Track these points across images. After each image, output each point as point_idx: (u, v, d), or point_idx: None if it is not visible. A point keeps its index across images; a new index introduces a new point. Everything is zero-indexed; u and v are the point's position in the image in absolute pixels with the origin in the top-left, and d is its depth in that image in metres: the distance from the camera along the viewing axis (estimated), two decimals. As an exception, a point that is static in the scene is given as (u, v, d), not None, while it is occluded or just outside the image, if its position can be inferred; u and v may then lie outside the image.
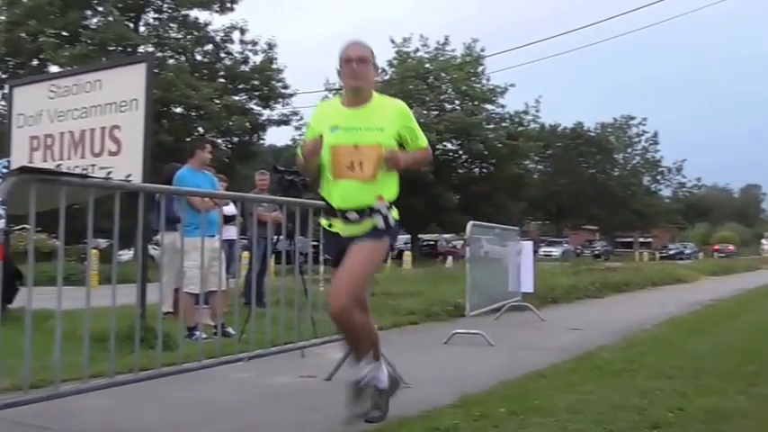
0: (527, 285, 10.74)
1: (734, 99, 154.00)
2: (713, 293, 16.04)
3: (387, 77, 36.80)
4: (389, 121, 3.96)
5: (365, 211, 3.88)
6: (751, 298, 15.40)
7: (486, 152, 36.95)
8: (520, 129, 39.48)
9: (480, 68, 37.72)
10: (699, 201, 75.95)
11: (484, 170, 39.08)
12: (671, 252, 54.37)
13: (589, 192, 52.71)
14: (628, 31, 57.52)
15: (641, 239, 64.90)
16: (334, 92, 36.50)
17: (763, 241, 35.63)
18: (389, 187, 4.01)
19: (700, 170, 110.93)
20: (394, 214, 3.99)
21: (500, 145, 36.88)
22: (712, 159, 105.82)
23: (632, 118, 59.33)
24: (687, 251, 56.11)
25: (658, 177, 60.59)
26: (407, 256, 27.32)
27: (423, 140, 4.13)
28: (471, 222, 8.89)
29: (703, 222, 78.92)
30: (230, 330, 6.65)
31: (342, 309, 3.77)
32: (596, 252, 47.86)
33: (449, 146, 37.91)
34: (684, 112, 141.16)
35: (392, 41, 37.41)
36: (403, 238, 37.95)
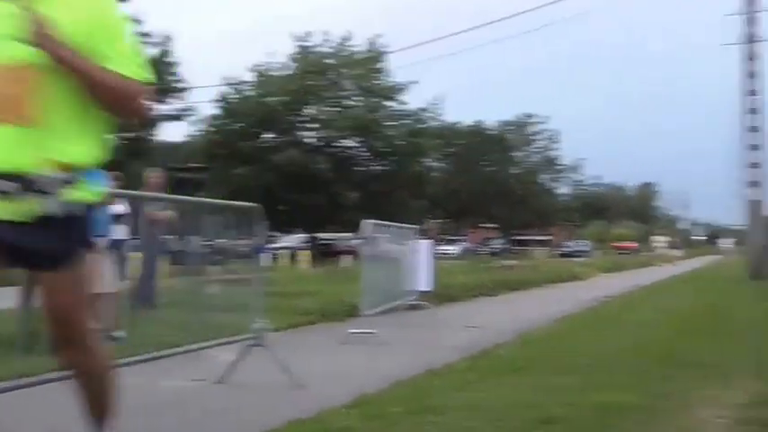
0: (424, 284, 10.98)
1: (633, 98, 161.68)
2: (608, 290, 16.84)
3: (287, 72, 36.48)
4: (70, 12, 2.35)
5: (24, 180, 2.32)
6: (644, 294, 16.27)
7: (387, 149, 37.31)
8: (421, 126, 40.09)
9: (383, 65, 38.04)
10: (596, 199, 79.47)
11: (384, 168, 39.44)
12: (568, 250, 56.52)
13: (489, 190, 54.22)
14: (530, 30, 59.52)
15: (539, 237, 67.37)
16: (232, 86, 35.98)
17: (655, 238, 37.61)
18: (79, 141, 2.44)
19: (600, 169, 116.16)
20: (83, 193, 2.49)
21: (401, 142, 37.33)
22: (612, 158, 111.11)
23: (532, 116, 61.53)
24: (583, 248, 58.48)
25: (556, 175, 63.08)
26: (304, 255, 27.24)
27: (129, 65, 2.45)
28: (367, 221, 9.00)
29: (601, 220, 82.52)
30: (119, 334, 6.48)
31: (74, 359, 2.64)
32: (495, 250, 49.21)
33: (349, 143, 38.05)
34: (586, 111, 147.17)
35: (293, 36, 37.16)
36: (300, 237, 37.78)
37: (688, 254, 55.43)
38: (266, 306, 5.82)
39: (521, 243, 63.74)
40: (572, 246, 59.63)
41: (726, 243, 47.07)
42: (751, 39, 21.90)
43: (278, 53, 36.91)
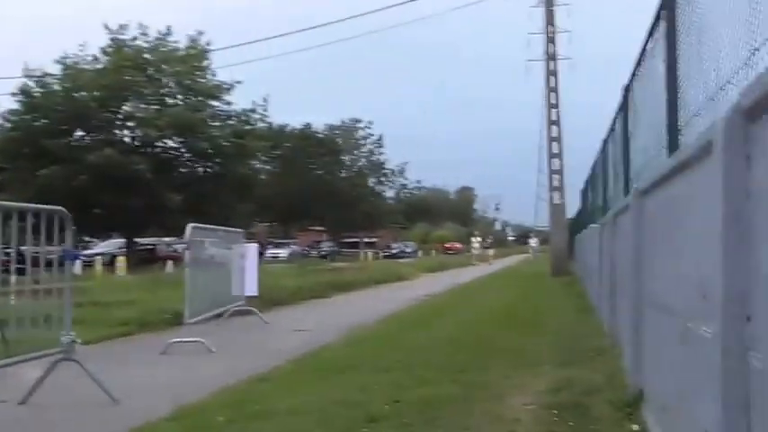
0: (251, 288, 10.81)
1: (454, 104, 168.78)
2: (430, 289, 17.51)
3: (100, 66, 34.50)
4: None
5: None
6: (463, 292, 17.10)
7: (211, 150, 36.38)
8: (247, 127, 39.53)
9: (206, 63, 37.05)
10: (419, 202, 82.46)
11: (209, 169, 38.45)
12: (393, 251, 58.39)
13: (318, 193, 54.48)
14: (356, 35, 60.42)
15: (367, 240, 68.83)
16: (35, 79, 33.41)
17: (473, 239, 39.57)
18: None
19: (422, 173, 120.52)
20: None
21: (226, 143, 36.56)
22: (433, 162, 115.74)
23: (359, 121, 62.73)
24: (408, 250, 60.72)
25: (383, 179, 64.73)
26: (121, 261, 25.89)
27: None
28: (191, 225, 8.73)
29: (424, 222, 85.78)
30: None
31: None
32: (323, 253, 49.66)
33: (170, 143, 36.68)
34: (408, 116, 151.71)
35: (106, 28, 35.17)
36: (117, 242, 35.91)
37: (502, 253, 59.01)
38: (78, 317, 5.47)
39: (349, 245, 64.80)
40: (398, 247, 61.57)
41: (534, 243, 50.71)
42: (551, 57, 23.72)
43: (89, 45, 34.71)
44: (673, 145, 3.66)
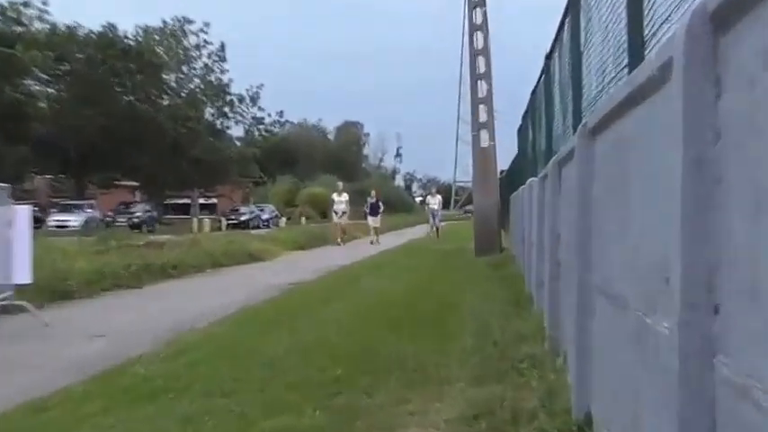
0: (22, 274, 10.60)
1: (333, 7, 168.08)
2: (297, 274, 17.60)
3: None
4: None
5: None
6: (345, 276, 17.22)
7: (-39, 64, 35.02)
8: (18, 29, 38.21)
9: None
10: (282, 144, 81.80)
11: (-42, 93, 37.03)
12: (243, 218, 57.94)
13: (126, 129, 53.14)
14: None
15: (203, 201, 68.09)
16: None
17: (335, 197, 34.34)
18: None
19: (284, 101, 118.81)
20: None
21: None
22: (301, 88, 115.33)
23: (190, 21, 61.45)
24: (265, 216, 60.33)
25: (226, 109, 63.78)
26: None
27: None
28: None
29: (289, 175, 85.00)
30: None
31: None
32: (136, 220, 48.96)
33: None
34: (253, 19, 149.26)
35: None
36: None
37: (403, 222, 59.41)
38: None
39: (175, 209, 63.91)
40: (250, 212, 61.17)
41: (435, 204, 48.72)
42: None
43: None
44: (635, 63, 3.77)
